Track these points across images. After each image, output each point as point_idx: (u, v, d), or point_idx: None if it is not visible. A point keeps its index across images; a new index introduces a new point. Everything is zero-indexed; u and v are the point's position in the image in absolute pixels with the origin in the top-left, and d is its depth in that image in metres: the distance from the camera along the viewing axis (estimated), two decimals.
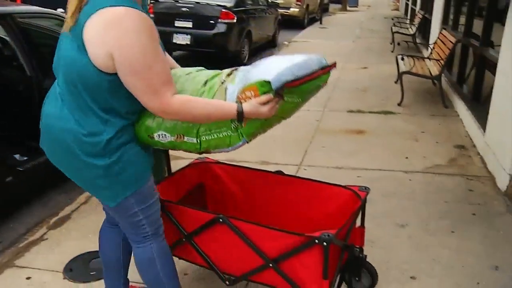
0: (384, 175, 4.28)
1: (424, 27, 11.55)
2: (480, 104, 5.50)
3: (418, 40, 11.76)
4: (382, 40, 13.30)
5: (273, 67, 1.84)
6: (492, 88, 4.55)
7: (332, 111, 6.31)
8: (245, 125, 1.90)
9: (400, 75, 6.89)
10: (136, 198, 2.00)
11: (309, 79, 1.90)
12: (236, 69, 2.05)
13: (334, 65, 2.04)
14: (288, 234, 2.11)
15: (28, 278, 2.89)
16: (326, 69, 1.99)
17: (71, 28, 1.77)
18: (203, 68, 2.18)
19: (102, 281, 2.48)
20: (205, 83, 1.98)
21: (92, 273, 2.90)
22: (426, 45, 9.85)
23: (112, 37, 1.69)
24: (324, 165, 4.49)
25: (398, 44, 11.53)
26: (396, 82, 7.66)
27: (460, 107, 6.03)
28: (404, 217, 3.51)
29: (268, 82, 1.78)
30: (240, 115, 1.84)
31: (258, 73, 1.85)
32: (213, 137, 1.95)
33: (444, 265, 2.94)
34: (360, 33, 15.16)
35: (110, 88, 1.80)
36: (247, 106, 1.83)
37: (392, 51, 11.11)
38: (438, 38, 7.66)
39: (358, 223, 2.49)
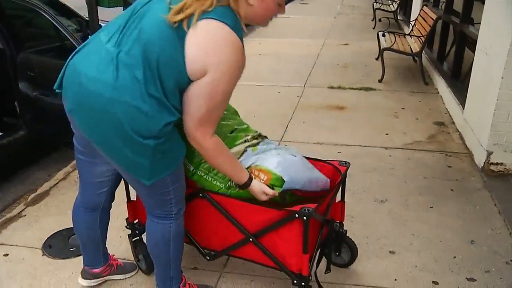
0: (365, 151, 4.30)
1: (406, 4, 11.53)
2: (459, 81, 5.55)
3: (399, 17, 11.75)
4: (363, 16, 13.26)
5: (293, 169, 2.14)
6: (471, 65, 4.58)
7: (312, 87, 6.30)
8: (238, 191, 2.15)
9: (381, 51, 6.89)
10: (172, 177, 1.96)
11: (309, 195, 2.19)
12: (263, 139, 2.37)
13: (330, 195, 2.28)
14: (268, 209, 2.11)
15: (5, 255, 2.85)
16: (323, 193, 2.25)
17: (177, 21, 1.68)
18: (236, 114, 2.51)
19: (82, 257, 2.46)
20: (232, 131, 2.30)
21: (71, 249, 2.88)
22: (407, 22, 9.85)
23: (215, 57, 1.68)
24: (305, 141, 4.50)
25: (380, 20, 11.50)
26: (377, 59, 7.66)
27: (440, 84, 6.07)
28: (384, 193, 3.54)
29: (283, 181, 2.06)
30: (244, 186, 2.04)
31: (279, 163, 2.12)
32: (207, 178, 2.20)
33: (422, 240, 2.98)
34: (342, 10, 15.08)
35: (184, 89, 1.77)
36: (255, 185, 2.04)
37: (374, 28, 11.09)
38: (419, 15, 7.66)
39: (338, 198, 2.51)
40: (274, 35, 10.02)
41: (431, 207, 3.36)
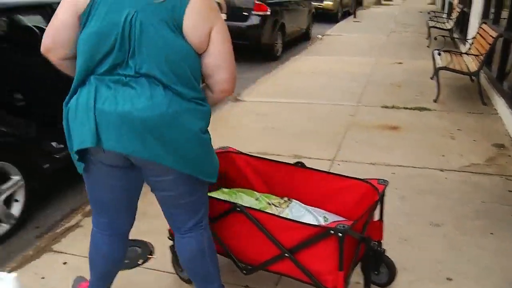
0: (419, 172, 4.19)
1: (462, 22, 11.27)
2: None
3: (455, 35, 11.49)
4: (417, 34, 13.04)
5: None
6: None
7: (366, 106, 6.22)
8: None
9: (436, 70, 6.73)
10: None
11: None
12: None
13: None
14: (304, 225, 2.14)
15: (64, 263, 2.95)
16: None
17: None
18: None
19: (136, 269, 2.51)
20: (257, 199, 2.54)
21: (126, 261, 2.94)
22: (464, 40, 9.61)
23: (211, 12, 1.87)
24: (358, 161, 4.43)
25: (435, 38, 11.28)
26: (432, 78, 7.49)
27: (500, 104, 5.87)
28: (439, 216, 3.43)
29: None
30: None
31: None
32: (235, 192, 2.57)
33: (481, 267, 2.86)
34: (395, 27, 14.90)
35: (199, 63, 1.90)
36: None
37: (428, 46, 10.88)
38: (477, 32, 7.46)
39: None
40: (326, 53, 10.02)
41: (491, 233, 3.23)
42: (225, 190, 2.64)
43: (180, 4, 1.78)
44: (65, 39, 1.87)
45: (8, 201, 3.37)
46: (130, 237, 2.93)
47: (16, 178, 3.35)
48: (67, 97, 1.92)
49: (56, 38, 1.88)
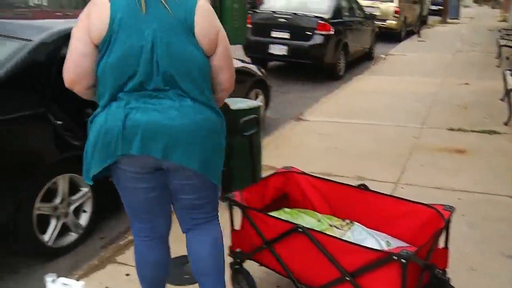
0: (488, 198, 4.01)
1: None
2: None
3: None
4: (485, 54, 12.59)
5: None
6: None
7: (431, 128, 6.05)
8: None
9: (507, 91, 6.45)
10: None
11: None
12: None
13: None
14: (366, 250, 2.10)
15: (127, 274, 3.02)
16: None
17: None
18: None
19: (195, 285, 2.53)
20: (318, 220, 2.55)
21: (186, 276, 2.97)
22: None
23: (213, 17, 2.09)
24: (423, 185, 4.30)
25: (507, 58, 10.83)
26: (502, 100, 7.18)
27: None
28: (510, 246, 3.27)
29: None
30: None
31: None
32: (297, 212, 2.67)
33: None
34: (461, 47, 14.46)
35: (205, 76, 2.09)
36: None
37: (498, 66, 10.47)
38: None
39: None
40: (390, 72, 9.86)
41: None
42: (287, 210, 2.64)
43: (189, 14, 1.98)
44: (87, 70, 2.00)
45: (77, 212, 3.51)
46: None
47: (85, 189, 3.49)
48: (93, 115, 2.06)
49: (78, 70, 1.99)
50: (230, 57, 2.18)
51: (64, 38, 3.35)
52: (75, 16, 4.35)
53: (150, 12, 1.95)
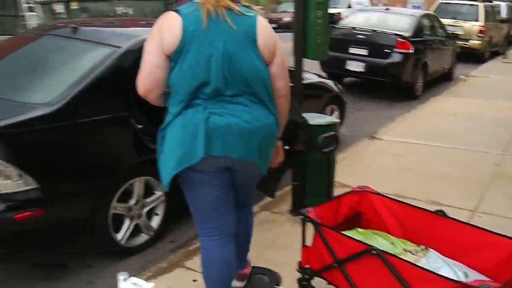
0: None
1: None
2: None
3: None
4: None
5: None
6: None
7: None
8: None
9: None
10: None
11: None
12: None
13: None
14: (443, 279, 2.01)
15: (194, 280, 3.06)
16: None
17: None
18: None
19: None
20: (392, 243, 2.51)
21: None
22: None
23: (271, 30, 2.35)
24: (504, 215, 4.04)
25: None
26: None
27: None
28: None
29: None
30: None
31: None
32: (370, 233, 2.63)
33: None
34: None
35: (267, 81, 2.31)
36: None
37: None
38: None
39: None
40: (470, 94, 9.46)
41: None
42: (360, 230, 2.58)
43: (250, 28, 2.22)
44: (161, 79, 2.21)
45: (150, 214, 3.61)
46: (259, 265, 2.99)
47: (159, 193, 3.59)
48: (165, 123, 2.26)
49: (153, 80, 2.20)
50: (286, 66, 2.38)
51: None
52: None
53: (218, 26, 2.18)
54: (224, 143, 2.17)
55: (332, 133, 3.45)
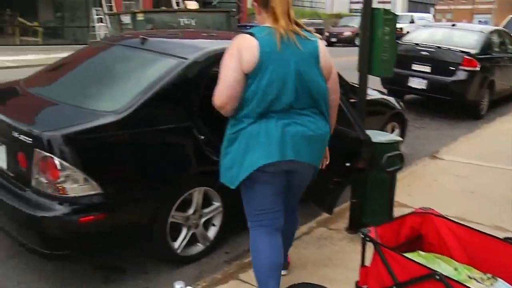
0: None
1: None
2: None
3: None
4: None
5: None
6: None
7: None
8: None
9: None
10: None
11: None
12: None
13: None
14: None
15: None
16: None
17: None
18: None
19: None
20: (455, 269, 2.40)
21: None
22: None
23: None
24: None
25: None
26: None
27: None
28: None
29: None
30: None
31: None
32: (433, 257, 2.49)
33: None
34: None
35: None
36: None
37: None
38: None
39: None
40: None
41: None
42: (422, 253, 2.49)
43: (314, 49, 2.60)
44: (237, 93, 2.48)
45: (206, 224, 3.65)
46: (313, 282, 2.94)
47: (217, 204, 3.62)
48: (237, 129, 2.55)
49: (231, 94, 2.47)
50: (337, 81, 2.80)
51: (214, 58, 3.55)
52: (220, 37, 4.62)
53: (289, 48, 2.51)
54: (295, 149, 2.51)
55: (398, 152, 3.36)
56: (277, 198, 2.72)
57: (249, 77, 2.47)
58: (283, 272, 3.02)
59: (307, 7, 38.60)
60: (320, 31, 25.32)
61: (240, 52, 2.46)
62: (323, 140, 2.70)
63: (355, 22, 27.30)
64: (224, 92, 2.47)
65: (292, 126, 2.52)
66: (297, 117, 2.54)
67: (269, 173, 2.57)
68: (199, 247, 3.62)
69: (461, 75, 8.46)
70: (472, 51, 8.59)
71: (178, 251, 3.47)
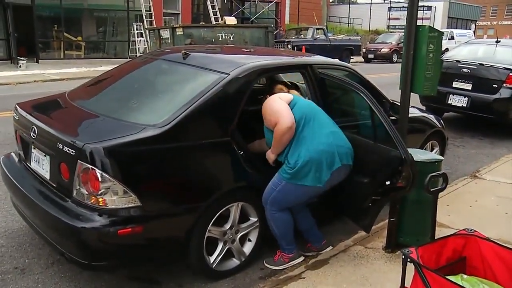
0: None
1: None
2: None
3: None
4: None
5: None
6: None
7: None
8: None
9: None
10: None
11: None
12: None
13: None
14: None
15: None
16: None
17: None
18: None
19: None
20: None
21: None
22: None
23: None
24: None
25: None
26: None
27: None
28: None
29: None
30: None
31: None
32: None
33: None
34: None
35: None
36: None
37: None
38: None
39: None
40: None
41: None
42: (465, 277, 2.40)
43: None
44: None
45: (243, 239, 3.64)
46: None
47: (253, 219, 3.61)
48: (308, 152, 3.33)
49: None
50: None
51: (254, 73, 3.56)
52: (258, 53, 4.63)
53: None
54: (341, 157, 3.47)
55: (442, 172, 3.28)
56: None
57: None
58: (308, 254, 3.81)
59: (344, 23, 38.49)
60: (357, 47, 25.25)
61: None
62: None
63: (393, 39, 27.11)
64: (289, 117, 3.32)
65: (336, 140, 3.52)
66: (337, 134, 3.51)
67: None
68: (235, 262, 3.61)
69: (505, 93, 8.21)
70: None
71: (214, 265, 3.46)
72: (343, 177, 3.48)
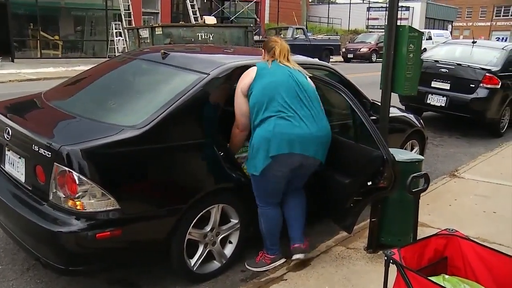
0: None
1: None
2: None
3: None
4: None
5: None
6: None
7: None
8: None
9: None
10: None
11: None
12: None
13: None
14: None
15: None
16: None
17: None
18: None
19: None
20: None
21: None
22: None
23: None
24: None
25: None
26: None
27: None
28: None
29: None
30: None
31: None
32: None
33: None
34: None
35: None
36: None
37: None
38: None
39: None
40: None
41: None
42: (447, 277, 2.40)
43: (302, 78, 3.46)
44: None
45: (223, 242, 3.59)
46: None
47: (234, 221, 3.57)
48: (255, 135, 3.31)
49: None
50: None
51: (234, 73, 3.52)
52: (238, 53, 4.58)
53: (280, 68, 3.41)
54: (299, 145, 3.29)
55: (423, 172, 3.28)
56: (285, 183, 3.50)
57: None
58: (300, 256, 3.52)
59: (324, 23, 38.67)
60: (336, 47, 25.39)
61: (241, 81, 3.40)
62: (328, 140, 3.47)
63: (372, 39, 27.34)
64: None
65: (298, 127, 3.25)
66: (300, 119, 3.28)
67: (283, 164, 3.33)
68: (216, 264, 3.57)
69: (481, 93, 8.33)
70: (493, 69, 8.48)
71: (194, 268, 3.42)
72: (298, 168, 3.35)
